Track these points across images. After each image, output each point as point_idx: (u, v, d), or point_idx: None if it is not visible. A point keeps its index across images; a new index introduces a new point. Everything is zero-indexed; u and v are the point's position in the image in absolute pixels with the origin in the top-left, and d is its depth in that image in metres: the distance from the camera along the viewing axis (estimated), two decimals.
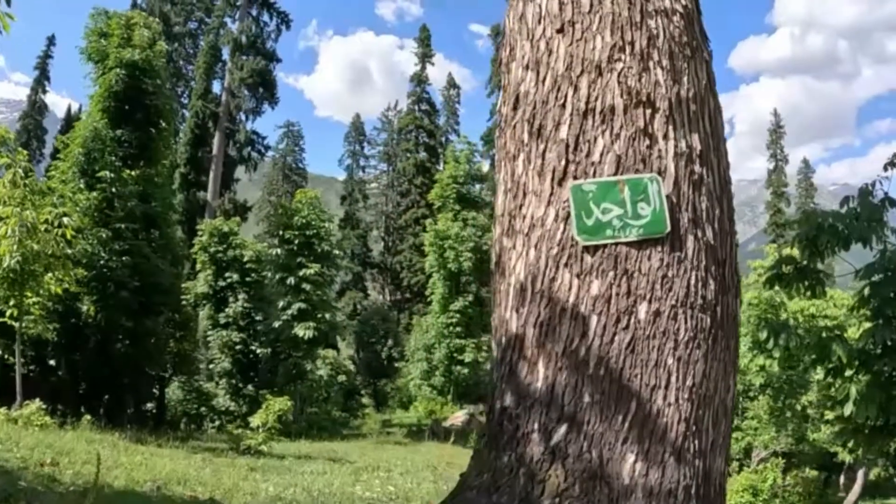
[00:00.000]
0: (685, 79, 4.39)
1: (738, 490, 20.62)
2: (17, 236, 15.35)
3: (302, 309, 29.60)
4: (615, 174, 4.08)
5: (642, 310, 3.93)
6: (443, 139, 75.26)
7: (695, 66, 4.51)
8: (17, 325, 16.98)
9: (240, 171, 62.94)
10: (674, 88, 4.31)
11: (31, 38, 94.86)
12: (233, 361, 30.84)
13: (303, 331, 28.89)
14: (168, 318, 27.74)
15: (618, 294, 3.93)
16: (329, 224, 31.84)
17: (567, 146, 4.17)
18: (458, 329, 40.04)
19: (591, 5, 4.30)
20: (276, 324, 29.84)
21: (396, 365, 53.15)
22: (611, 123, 4.16)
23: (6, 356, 19.52)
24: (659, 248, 4.01)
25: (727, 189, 4.52)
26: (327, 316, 30.60)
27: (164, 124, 27.21)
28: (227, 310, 31.35)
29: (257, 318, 31.65)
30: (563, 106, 4.24)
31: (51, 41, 75.82)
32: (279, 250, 30.89)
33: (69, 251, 16.66)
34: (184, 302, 30.07)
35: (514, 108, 4.52)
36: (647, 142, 4.17)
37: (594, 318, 3.91)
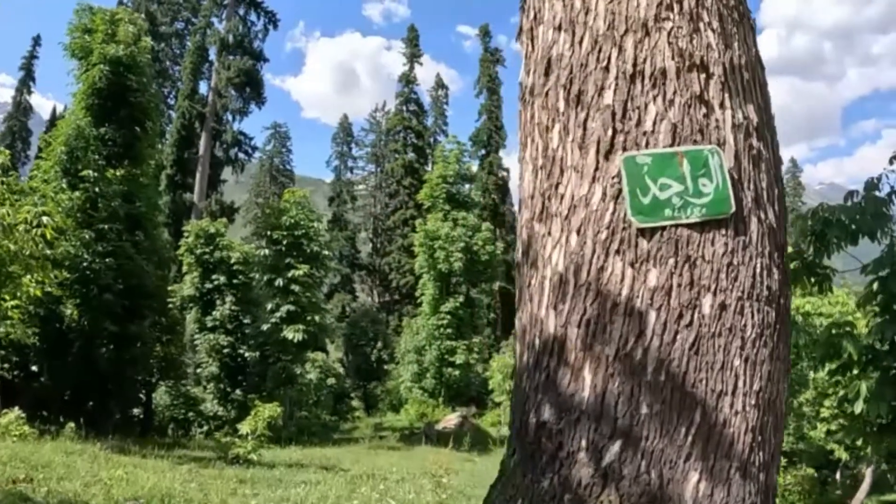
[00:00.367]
0: (736, 44, 3.86)
1: None
2: None
3: (291, 311, 28.94)
4: (671, 145, 3.50)
5: (706, 303, 3.37)
6: (431, 140, 74.80)
7: (744, 32, 3.98)
8: None
9: (226, 173, 62.37)
10: (726, 53, 3.77)
11: (16, 39, 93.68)
12: (220, 365, 30.17)
13: (292, 333, 28.24)
14: (154, 322, 27.13)
15: (679, 285, 3.35)
16: (318, 224, 31.14)
17: (613, 114, 3.58)
18: (449, 330, 39.52)
19: None
20: (265, 327, 29.18)
21: (386, 367, 52.61)
22: (662, 88, 3.59)
23: None
24: (723, 232, 3.46)
25: (780, 168, 3.98)
26: (317, 318, 29.92)
27: (149, 123, 26.59)
28: (214, 313, 30.67)
29: (245, 320, 30.98)
30: (607, 69, 3.66)
31: (36, 42, 74.86)
32: (267, 251, 30.18)
33: (48, 252, 15.97)
34: (170, 305, 29.38)
35: (546, 74, 3.93)
36: (704, 110, 3.61)
37: (652, 315, 3.34)
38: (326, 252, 31.27)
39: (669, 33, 3.65)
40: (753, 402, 3.37)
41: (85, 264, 22.29)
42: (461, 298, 40.10)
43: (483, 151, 71.87)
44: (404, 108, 74.51)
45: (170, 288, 30.11)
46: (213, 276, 30.96)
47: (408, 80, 75.08)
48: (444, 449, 24.99)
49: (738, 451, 3.30)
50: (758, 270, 3.49)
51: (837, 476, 31.30)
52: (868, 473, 25.48)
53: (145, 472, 10.90)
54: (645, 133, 3.52)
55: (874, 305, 9.43)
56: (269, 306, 29.52)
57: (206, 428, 29.07)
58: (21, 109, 74.09)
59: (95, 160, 23.65)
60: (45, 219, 13.08)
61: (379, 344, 53.57)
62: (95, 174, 23.09)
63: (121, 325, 23.16)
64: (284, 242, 29.86)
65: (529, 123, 4.05)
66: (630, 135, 3.53)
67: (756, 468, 3.36)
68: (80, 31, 25.59)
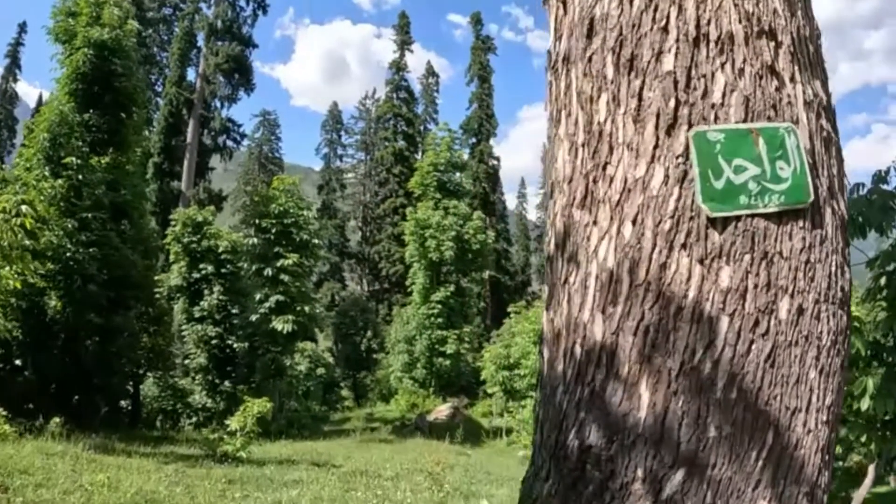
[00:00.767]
0: (799, 13, 3.34)
1: None
2: None
3: (280, 301, 28.34)
4: (743, 121, 2.99)
5: (783, 307, 2.88)
6: (421, 128, 74.27)
7: (804, 0, 3.45)
8: None
9: (215, 161, 61.77)
10: (792, 22, 3.25)
11: (2, 25, 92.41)
12: (209, 357, 29.64)
13: (281, 324, 27.64)
14: (141, 313, 26.55)
15: (755, 286, 2.85)
16: (308, 212, 30.49)
17: (675, 82, 3.05)
18: (440, 320, 39.24)
19: None
20: (254, 317, 28.58)
21: (376, 357, 52.29)
22: (731, 55, 3.07)
23: None
24: (801, 224, 2.96)
25: (842, 154, 3.48)
26: (306, 308, 29.31)
27: (134, 108, 25.91)
28: (202, 303, 30.10)
29: (233, 311, 30.41)
30: (665, 30, 3.12)
31: (22, 28, 73.74)
32: (256, 240, 29.51)
33: (28, 242, 15.33)
34: (157, 295, 28.79)
35: (588, 37, 3.39)
36: (776, 83, 3.09)
37: (724, 321, 2.83)
38: (316, 241, 30.64)
39: None
40: (825, 418, 2.92)
41: (69, 254, 21.65)
42: (452, 288, 39.73)
43: (474, 140, 71.44)
44: (394, 95, 73.85)
45: (157, 278, 29.52)
46: (201, 266, 30.37)
47: (398, 67, 74.38)
48: (437, 442, 24.62)
49: (808, 475, 2.87)
50: (833, 269, 3.01)
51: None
52: (871, 469, 25.31)
53: (129, 474, 10.33)
54: (713, 106, 3.00)
55: (880, 300, 9.14)
56: (258, 296, 28.93)
57: (194, 419, 28.63)
58: (7, 97, 73.15)
59: (79, 147, 23.00)
60: (24, 208, 12.46)
61: (368, 333, 53.29)
62: (79, 161, 22.42)
63: (106, 316, 22.58)
64: (273, 231, 29.23)
65: (564, 94, 3.51)
66: (696, 107, 3.00)
67: (821, 491, 2.93)
68: (64, 15, 24.89)
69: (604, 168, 3.17)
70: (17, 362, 22.03)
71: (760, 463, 2.77)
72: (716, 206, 2.87)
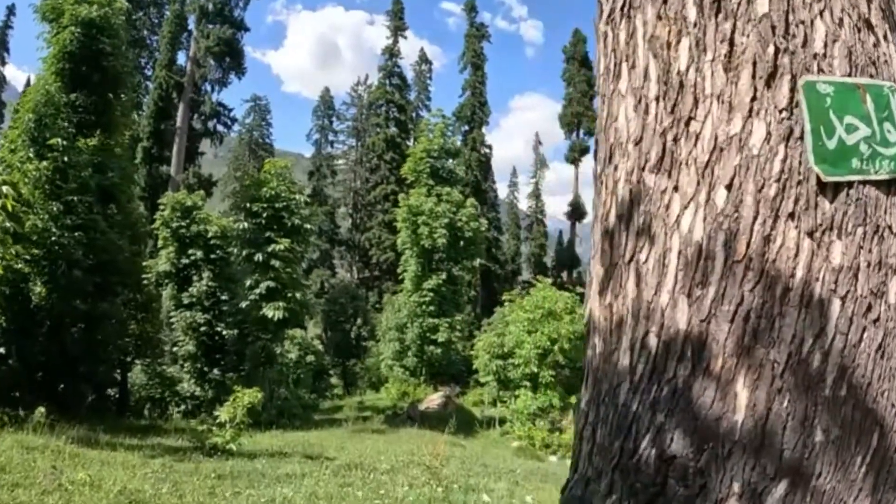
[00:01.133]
0: None
1: None
2: None
3: (271, 288, 27.79)
4: (848, 76, 2.54)
5: (892, 290, 2.45)
6: (413, 115, 73.73)
7: None
8: None
9: (205, 146, 61.14)
10: None
11: None
12: (197, 344, 29.14)
13: (272, 311, 27.09)
14: (128, 299, 26.01)
15: (868, 265, 2.43)
16: (299, 196, 29.90)
17: (773, 27, 2.59)
18: (431, 308, 38.82)
19: None
20: (244, 304, 28.01)
21: (365, 344, 51.92)
22: (829, 3, 2.63)
23: None
24: None
25: None
26: (297, 295, 28.78)
27: (123, 89, 25.29)
28: (190, 289, 29.60)
29: (223, 297, 29.88)
30: None
31: (10, 11, 72.69)
32: (246, 224, 28.91)
33: (8, 225, 14.75)
34: (145, 281, 28.24)
35: None
36: (873, 38, 2.67)
37: (836, 305, 2.41)
38: (308, 226, 30.08)
39: None
40: None
41: (53, 239, 21.06)
42: (444, 276, 39.29)
43: (466, 128, 70.99)
44: (387, 81, 73.18)
45: (145, 263, 28.97)
46: (190, 251, 29.86)
47: (391, 53, 73.73)
48: (430, 432, 24.22)
49: None
50: None
51: None
52: None
53: (113, 470, 9.79)
54: (815, 56, 2.55)
55: None
56: (248, 282, 28.36)
57: (183, 408, 28.19)
58: None
59: (65, 128, 22.40)
60: (5, 189, 11.92)
61: (358, 321, 52.97)
62: (65, 143, 21.79)
63: (92, 303, 22.04)
64: (264, 215, 28.63)
65: (626, 44, 3.05)
66: (797, 56, 2.55)
67: None
68: None
69: (687, 124, 2.71)
70: (1, 350, 21.45)
71: (864, 469, 2.38)
72: (828, 168, 2.42)
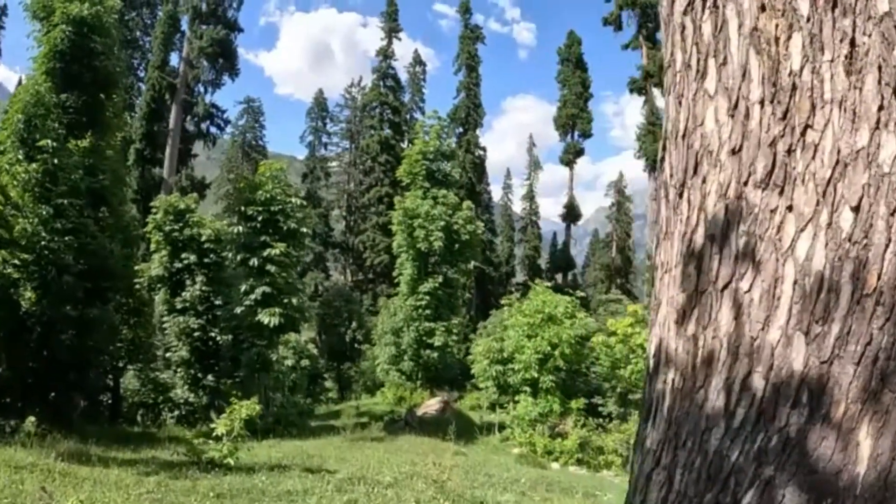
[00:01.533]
0: None
1: None
2: None
3: (266, 293, 27.12)
4: None
5: None
6: (407, 116, 73.34)
7: None
8: None
9: (198, 148, 60.63)
10: None
11: None
12: (191, 350, 28.60)
13: (268, 317, 26.44)
14: (120, 304, 25.47)
15: None
16: (295, 199, 29.29)
17: None
18: (428, 311, 38.32)
19: None
20: (238, 309, 27.34)
21: (360, 348, 51.48)
22: None
23: None
24: None
25: None
26: (293, 301, 28.12)
27: (114, 89, 24.74)
28: (184, 294, 29.04)
29: (217, 302, 29.30)
30: None
31: (2, 11, 71.75)
32: (240, 228, 28.29)
33: None
34: (137, 286, 27.69)
35: None
36: None
37: None
38: (304, 229, 29.50)
39: None
40: None
41: (43, 243, 20.50)
42: (440, 279, 38.79)
43: (460, 129, 70.60)
44: (381, 83, 72.79)
45: (137, 267, 28.42)
46: (183, 255, 29.31)
47: (385, 54, 73.32)
48: (429, 439, 23.76)
49: None
50: None
51: None
52: None
53: (107, 491, 9.25)
54: None
55: None
56: (243, 287, 27.70)
57: (176, 413, 27.67)
58: None
59: (55, 129, 21.84)
60: None
61: (353, 324, 52.49)
62: (55, 144, 21.24)
63: (82, 308, 21.48)
64: (259, 219, 27.97)
65: (714, 36, 2.58)
66: None
67: None
68: None
69: (803, 133, 2.23)
70: None
71: None
72: None
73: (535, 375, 28.63)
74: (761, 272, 2.27)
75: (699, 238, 2.53)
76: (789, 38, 2.32)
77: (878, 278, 2.01)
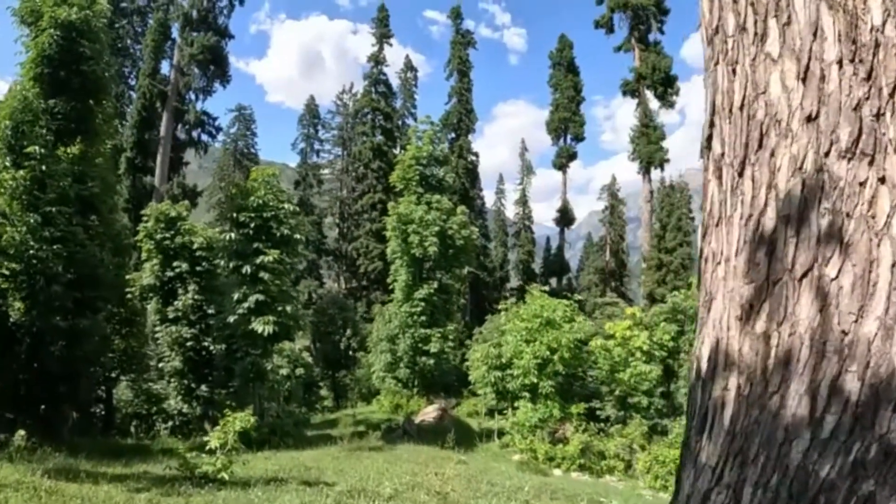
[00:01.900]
0: None
1: None
2: None
3: (260, 301, 26.52)
4: None
5: None
6: (399, 122, 73.09)
7: None
8: None
9: (189, 156, 60.24)
10: None
11: None
12: (184, 360, 28.21)
13: (261, 326, 25.87)
14: (111, 314, 25.05)
15: None
16: (288, 205, 28.81)
17: None
18: (423, 318, 38.11)
19: None
20: (231, 318, 26.73)
21: (355, 356, 51.09)
22: None
23: None
24: None
25: None
26: (288, 309, 27.57)
27: (104, 95, 24.31)
28: (176, 303, 28.65)
29: (209, 311, 28.89)
30: None
31: None
32: (233, 235, 27.75)
33: None
34: (129, 295, 27.26)
35: None
36: None
37: None
38: (297, 236, 29.06)
39: None
40: None
41: (31, 252, 20.06)
42: (435, 285, 38.52)
43: (453, 135, 70.38)
44: (373, 89, 72.53)
45: (128, 276, 27.98)
46: (175, 264, 28.94)
47: (377, 60, 73.05)
48: (428, 447, 23.37)
49: None
50: None
51: None
52: None
53: None
54: None
55: None
56: (236, 296, 27.07)
57: (170, 424, 27.26)
58: None
59: (43, 135, 21.39)
60: None
61: (348, 332, 52.12)
62: (43, 151, 20.80)
63: (72, 319, 21.06)
64: (252, 225, 27.37)
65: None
66: None
67: None
68: None
69: (892, 94, 1.93)
70: None
71: None
72: None
73: (535, 381, 28.35)
74: (851, 255, 1.94)
75: (769, 220, 2.19)
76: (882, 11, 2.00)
77: None
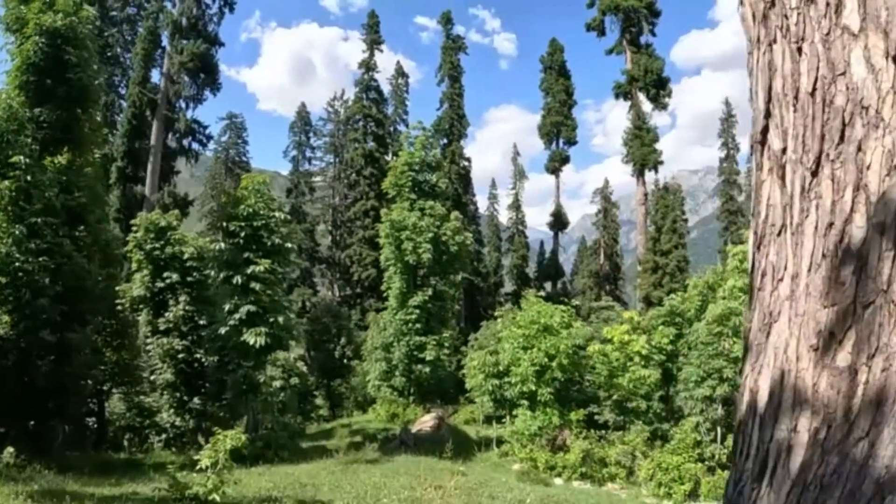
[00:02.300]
0: None
1: None
2: None
3: (251, 312, 25.96)
4: None
5: None
6: (391, 129, 72.78)
7: None
8: None
9: (180, 165, 59.87)
10: None
11: None
12: (176, 372, 27.76)
13: (253, 338, 25.28)
14: (101, 326, 24.58)
15: None
16: (279, 214, 28.30)
17: None
18: (418, 325, 37.75)
19: None
20: (223, 330, 26.10)
21: (350, 364, 50.64)
22: None
23: None
24: None
25: None
26: (280, 319, 26.96)
27: (91, 103, 23.88)
28: (167, 314, 28.20)
29: (201, 322, 28.42)
30: None
31: None
32: (223, 245, 27.20)
33: None
34: (119, 307, 26.77)
35: None
36: None
37: None
38: (289, 244, 28.58)
39: None
40: None
41: (17, 265, 19.63)
42: (430, 292, 38.15)
43: (445, 140, 70.09)
44: (364, 95, 72.16)
45: (119, 288, 27.49)
46: (165, 274, 28.52)
47: (368, 67, 72.71)
48: (426, 458, 22.93)
49: None
50: None
51: None
52: None
53: None
54: None
55: None
56: (227, 306, 26.46)
57: (164, 437, 26.83)
58: None
59: (29, 145, 21.01)
60: None
61: (342, 340, 51.69)
62: (29, 161, 20.39)
63: (59, 333, 20.59)
64: (242, 235, 26.75)
65: None
66: None
67: None
68: (16, 1, 22.89)
69: None
70: None
71: None
72: None
73: (533, 388, 28.00)
74: None
75: (857, 230, 1.79)
76: None
77: None
